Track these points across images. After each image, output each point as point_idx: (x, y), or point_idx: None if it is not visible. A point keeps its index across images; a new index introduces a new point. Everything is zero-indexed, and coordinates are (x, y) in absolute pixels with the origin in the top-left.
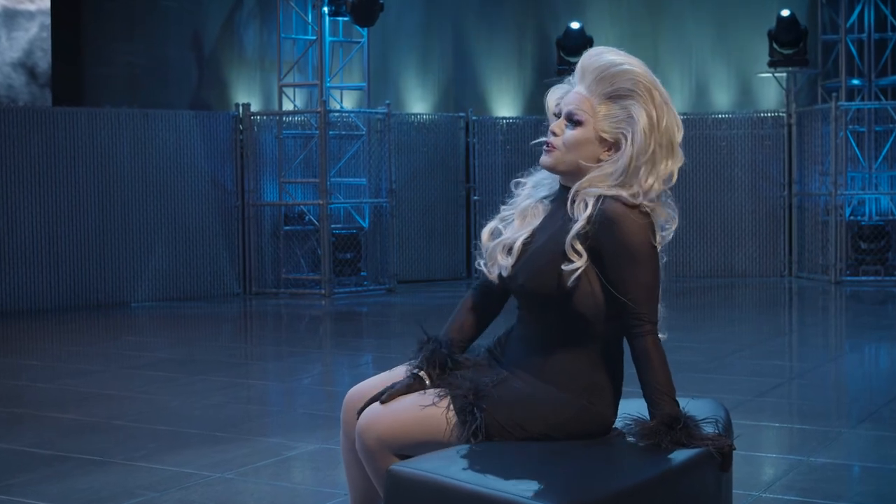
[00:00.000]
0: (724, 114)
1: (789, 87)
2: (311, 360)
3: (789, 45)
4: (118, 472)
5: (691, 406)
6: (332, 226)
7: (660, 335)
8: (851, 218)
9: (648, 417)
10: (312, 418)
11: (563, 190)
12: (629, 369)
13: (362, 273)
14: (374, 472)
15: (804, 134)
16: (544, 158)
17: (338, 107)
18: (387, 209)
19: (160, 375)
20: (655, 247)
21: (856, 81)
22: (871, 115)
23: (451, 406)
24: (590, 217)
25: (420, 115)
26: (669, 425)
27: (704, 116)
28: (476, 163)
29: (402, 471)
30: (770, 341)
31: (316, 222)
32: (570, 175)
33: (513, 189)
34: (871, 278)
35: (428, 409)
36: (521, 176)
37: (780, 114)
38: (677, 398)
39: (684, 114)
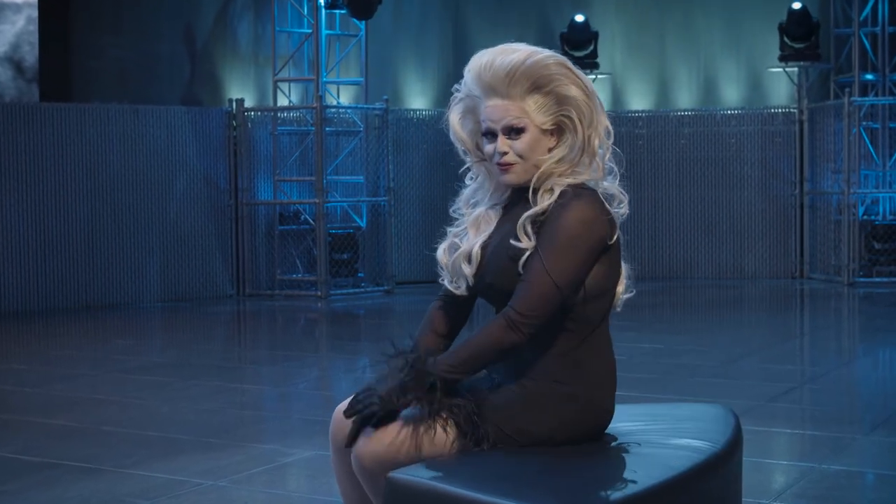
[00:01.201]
0: (734, 110)
1: (801, 82)
2: (307, 364)
3: (801, 38)
4: (108, 480)
5: (697, 410)
6: (329, 225)
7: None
8: (865, 217)
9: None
10: (308, 424)
11: (518, 192)
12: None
13: (359, 274)
14: (373, 491)
15: (816, 131)
16: (508, 178)
17: (334, 102)
18: (385, 208)
19: (151, 380)
20: (589, 240)
21: (869, 76)
22: (886, 111)
23: (450, 418)
24: (549, 205)
25: (419, 111)
26: (408, 363)
27: (713, 112)
28: None
29: (402, 478)
30: (781, 345)
31: (312, 222)
32: (530, 178)
33: (455, 215)
34: (886, 279)
35: (426, 423)
36: (454, 203)
37: (792, 110)
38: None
39: (692, 110)
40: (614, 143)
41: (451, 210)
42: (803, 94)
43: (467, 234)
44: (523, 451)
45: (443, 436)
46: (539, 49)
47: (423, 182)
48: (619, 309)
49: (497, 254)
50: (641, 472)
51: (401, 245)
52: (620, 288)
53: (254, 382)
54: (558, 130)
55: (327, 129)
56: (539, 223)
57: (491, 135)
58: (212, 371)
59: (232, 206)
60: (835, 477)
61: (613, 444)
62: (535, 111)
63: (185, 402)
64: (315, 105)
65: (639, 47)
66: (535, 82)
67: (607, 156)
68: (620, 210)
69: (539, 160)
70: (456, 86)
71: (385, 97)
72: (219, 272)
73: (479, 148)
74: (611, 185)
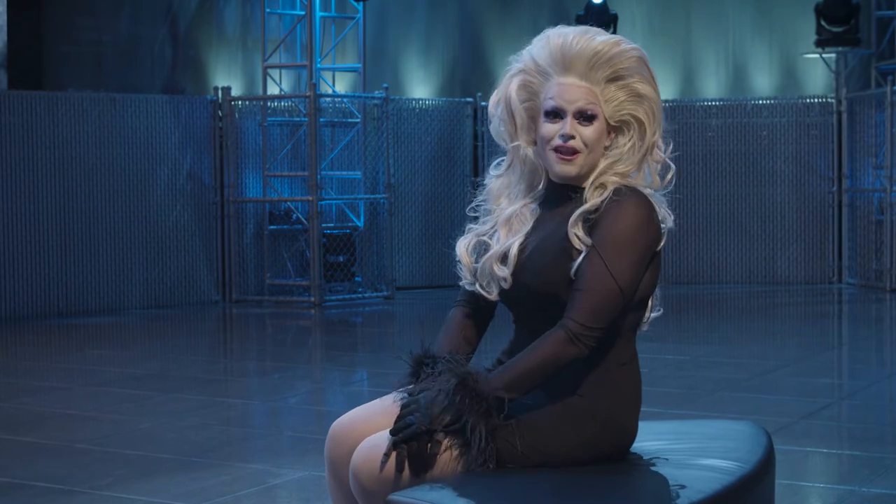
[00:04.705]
0: (766, 99)
1: (839, 69)
2: (299, 377)
3: (839, 22)
4: (81, 502)
5: (726, 428)
6: (323, 225)
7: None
8: None
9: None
10: (300, 442)
11: (557, 189)
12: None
13: (356, 278)
14: None
15: (855, 122)
16: (566, 169)
17: (329, 91)
18: (384, 206)
19: (129, 393)
20: (647, 241)
21: None
22: None
23: (456, 437)
24: (602, 202)
25: (422, 100)
26: (463, 381)
27: (743, 102)
28: (485, 154)
29: (404, 501)
30: (817, 356)
31: (304, 221)
32: (586, 174)
33: (472, 213)
34: None
35: (433, 441)
36: (475, 199)
37: (829, 99)
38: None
39: (720, 99)
40: None
41: (469, 207)
42: (841, 82)
43: (497, 232)
44: (534, 472)
45: (448, 454)
46: (623, 38)
47: (426, 178)
48: (645, 327)
49: (540, 254)
50: (664, 496)
51: (401, 247)
52: (651, 311)
53: (241, 396)
54: (617, 130)
55: (321, 119)
56: (590, 222)
57: (556, 115)
58: (195, 384)
59: (218, 204)
60: (875, 501)
61: (633, 464)
62: (608, 102)
63: (166, 418)
64: (308, 94)
65: (662, 31)
66: (615, 72)
67: (659, 167)
68: (665, 225)
69: (597, 156)
70: (513, 56)
71: (385, 85)
72: (203, 276)
73: (527, 125)
74: (660, 200)
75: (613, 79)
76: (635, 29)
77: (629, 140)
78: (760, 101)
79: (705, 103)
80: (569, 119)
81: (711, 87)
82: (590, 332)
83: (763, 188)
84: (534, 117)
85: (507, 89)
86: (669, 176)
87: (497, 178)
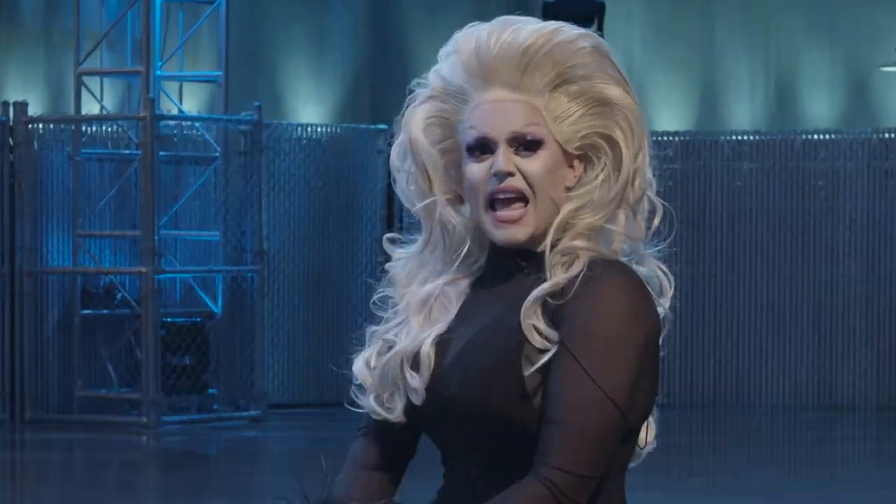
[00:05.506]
0: (824, 133)
1: None
2: None
3: None
4: None
5: None
6: (163, 310)
7: None
8: None
9: None
10: None
11: (500, 256)
12: None
13: (211, 390)
14: None
15: None
16: (511, 232)
17: (174, 111)
18: (253, 284)
19: None
20: (642, 333)
21: None
22: None
23: None
24: (571, 280)
25: (312, 127)
26: None
27: (790, 137)
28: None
29: None
30: None
31: (135, 304)
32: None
33: (378, 309)
34: None
35: None
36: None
37: None
38: None
39: (756, 133)
40: None
41: (373, 298)
42: None
43: (408, 324)
44: None
45: None
46: (564, 24)
47: (316, 243)
48: (638, 460)
49: (475, 353)
50: None
51: (277, 345)
52: (650, 435)
53: None
54: (582, 157)
55: (163, 153)
56: (553, 309)
57: (483, 150)
58: None
59: (6, 277)
60: None
61: None
62: (559, 120)
63: None
64: (143, 114)
65: (671, 31)
66: (562, 74)
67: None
68: (662, 304)
69: (555, 199)
70: (416, 81)
71: (257, 104)
72: None
73: (448, 174)
74: (649, 258)
75: (561, 83)
76: (632, 26)
77: (601, 171)
78: (816, 137)
79: (734, 138)
80: (501, 149)
81: (743, 115)
82: (580, 483)
83: (818, 265)
84: (455, 162)
85: (409, 129)
86: (657, 221)
87: (406, 247)
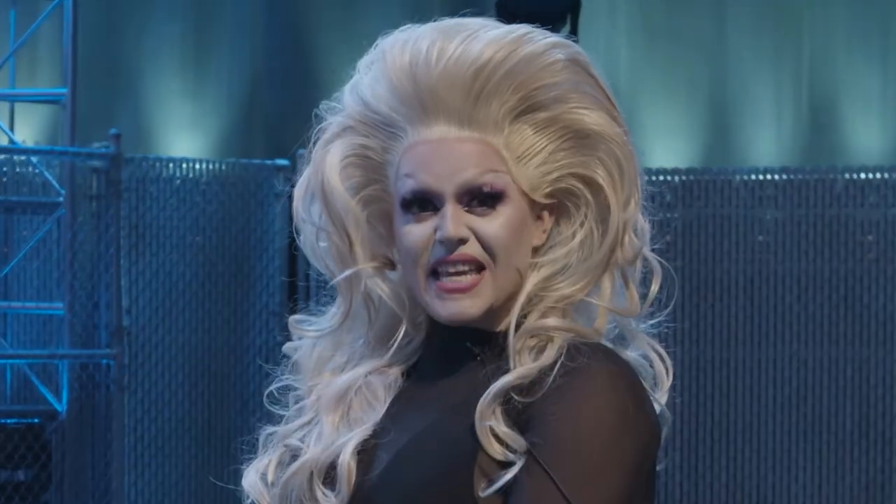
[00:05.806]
0: (874, 172)
1: None
2: None
3: None
4: None
5: None
6: None
7: None
8: None
9: None
10: None
11: (445, 339)
12: None
13: None
14: None
15: None
16: (463, 305)
17: (5, 141)
18: (110, 373)
19: None
20: (636, 446)
21: None
22: None
23: None
24: (545, 371)
25: (190, 162)
26: None
27: (828, 176)
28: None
29: None
30: None
31: None
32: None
33: (272, 404)
34: None
35: None
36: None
37: None
38: None
39: (784, 170)
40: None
41: (268, 389)
42: None
43: (318, 425)
44: None
45: None
46: (530, 29)
47: (194, 317)
48: None
49: (410, 465)
50: None
51: (143, 455)
52: None
53: None
54: (554, 208)
55: None
56: (518, 409)
57: (423, 206)
58: None
59: None
60: None
61: None
62: (523, 157)
63: None
64: None
65: (668, 35)
66: (527, 98)
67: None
68: (657, 399)
69: (519, 266)
70: (325, 105)
71: (114, 132)
72: None
73: (374, 231)
74: (641, 337)
75: (525, 111)
76: (617, 28)
77: (579, 225)
78: (863, 176)
79: (753, 178)
80: (449, 208)
81: (766, 147)
82: None
83: (866, 348)
84: (383, 213)
85: (321, 171)
86: (655, 288)
87: (318, 326)
